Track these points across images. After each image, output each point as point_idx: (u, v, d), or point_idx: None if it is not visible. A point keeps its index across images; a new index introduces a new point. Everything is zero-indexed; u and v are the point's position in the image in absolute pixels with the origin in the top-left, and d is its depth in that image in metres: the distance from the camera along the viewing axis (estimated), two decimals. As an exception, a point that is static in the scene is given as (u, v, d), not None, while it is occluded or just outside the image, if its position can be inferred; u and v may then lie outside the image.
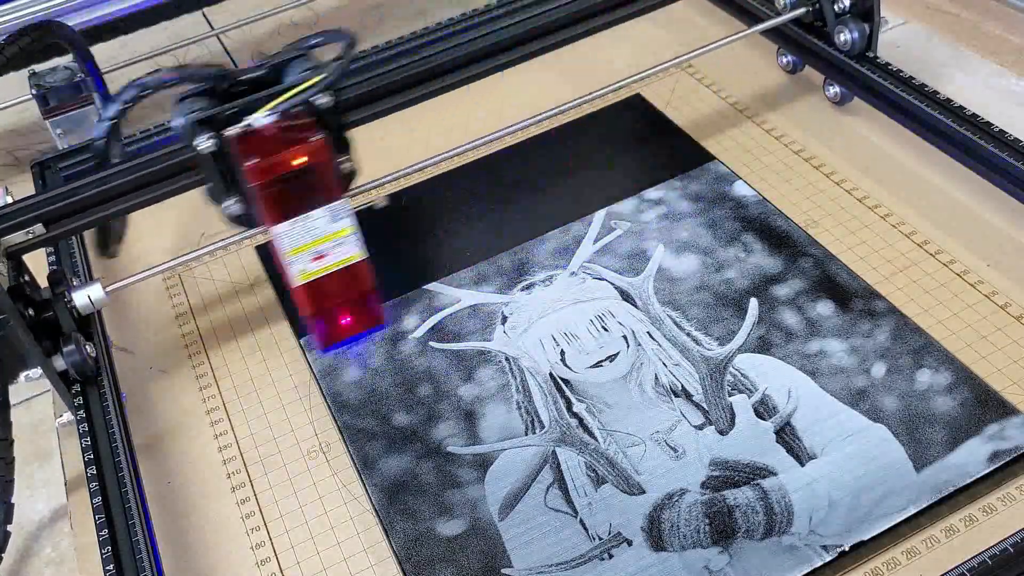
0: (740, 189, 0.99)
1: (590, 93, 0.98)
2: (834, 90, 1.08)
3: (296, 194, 0.78)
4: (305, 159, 0.77)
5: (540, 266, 0.94)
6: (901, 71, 1.00)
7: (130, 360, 0.94)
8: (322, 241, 0.81)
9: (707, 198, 0.98)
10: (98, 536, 0.71)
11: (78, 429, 0.79)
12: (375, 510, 0.77)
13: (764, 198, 0.97)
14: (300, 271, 0.82)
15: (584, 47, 1.22)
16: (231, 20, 1.37)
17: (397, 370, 0.87)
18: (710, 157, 1.04)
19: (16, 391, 0.85)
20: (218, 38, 1.40)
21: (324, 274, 0.83)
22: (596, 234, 0.97)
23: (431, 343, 0.89)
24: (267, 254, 1.02)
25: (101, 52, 1.11)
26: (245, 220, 0.85)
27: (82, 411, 0.80)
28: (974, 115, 0.92)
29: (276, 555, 0.76)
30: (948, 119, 0.93)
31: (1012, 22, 1.18)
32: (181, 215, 1.07)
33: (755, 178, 1.00)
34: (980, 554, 0.68)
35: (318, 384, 0.87)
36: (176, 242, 1.05)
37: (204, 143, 0.79)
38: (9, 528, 0.75)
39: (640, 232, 0.96)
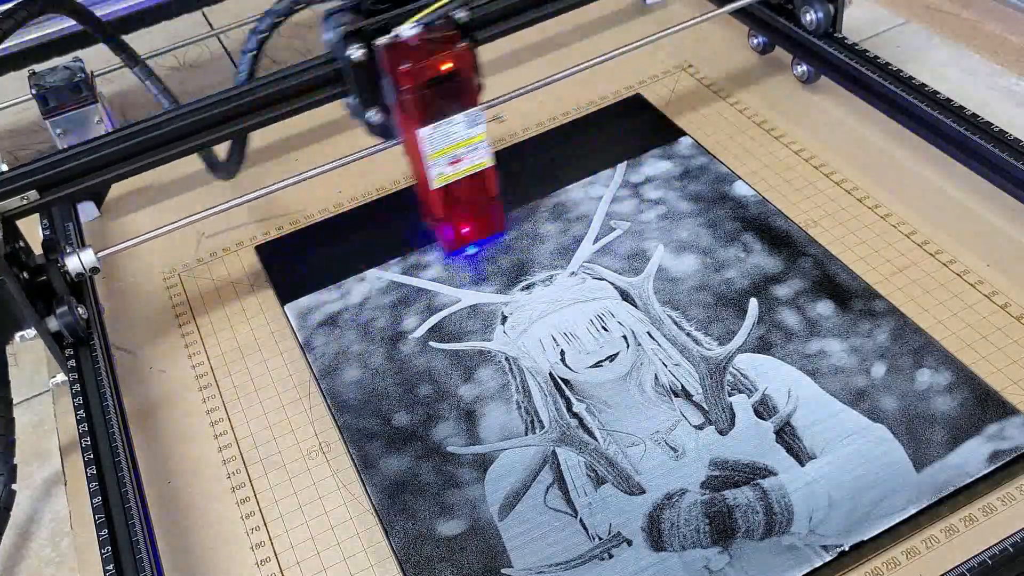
0: (740, 189, 0.99)
1: (578, 65, 1.02)
2: (801, 69, 1.11)
3: (440, 99, 0.85)
4: (451, 64, 0.83)
5: (540, 266, 0.94)
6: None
7: (130, 360, 0.94)
8: (459, 146, 0.88)
9: (707, 198, 0.98)
10: (98, 536, 0.71)
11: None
12: (375, 510, 0.77)
13: (764, 198, 0.97)
14: (438, 174, 0.89)
15: (587, 49, 1.22)
16: (231, 20, 1.37)
17: (397, 370, 0.87)
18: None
19: (16, 391, 0.85)
20: (218, 38, 1.40)
21: (458, 178, 0.90)
22: (596, 234, 0.97)
23: (431, 343, 0.89)
24: (267, 254, 1.02)
25: (101, 52, 1.12)
26: (384, 131, 0.91)
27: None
28: (974, 115, 0.92)
29: (276, 555, 0.76)
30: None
31: (1012, 22, 1.18)
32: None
33: (748, 172, 1.01)
34: (980, 554, 0.68)
35: (318, 384, 0.87)
36: (176, 241, 1.05)
37: (356, 52, 0.84)
38: (14, 487, 0.77)
39: (640, 232, 0.96)
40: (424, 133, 0.86)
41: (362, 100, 0.88)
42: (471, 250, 0.96)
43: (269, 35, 0.89)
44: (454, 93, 0.85)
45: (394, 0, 0.85)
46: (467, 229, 0.95)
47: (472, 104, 0.87)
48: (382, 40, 0.82)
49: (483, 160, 0.90)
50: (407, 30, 0.81)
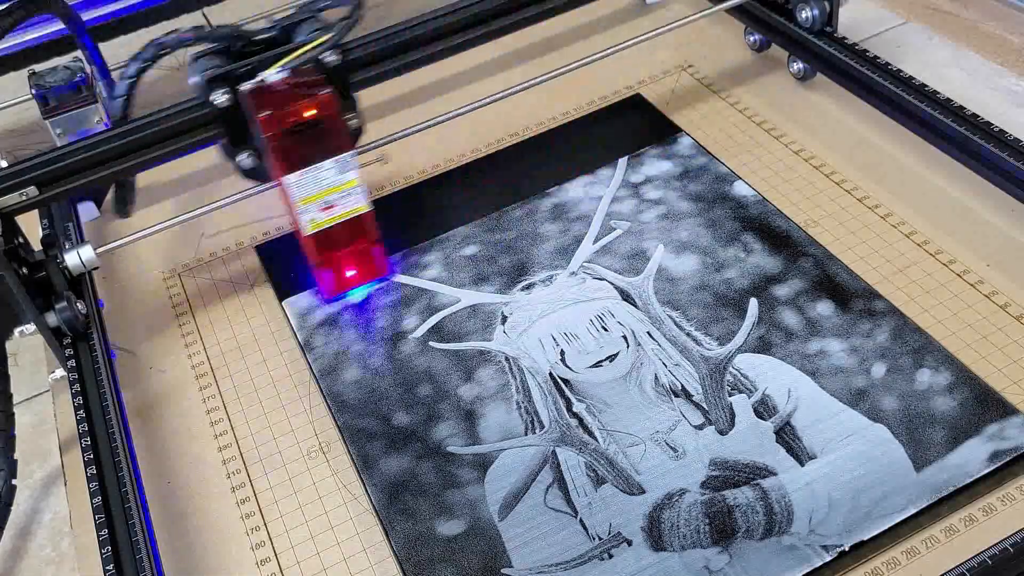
0: (740, 189, 0.99)
1: (576, 60, 1.01)
2: (797, 66, 1.12)
3: (306, 145, 0.83)
4: (314, 111, 0.81)
5: (540, 266, 0.94)
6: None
7: (130, 360, 0.94)
8: (331, 192, 0.86)
9: (707, 198, 0.98)
10: (98, 536, 0.71)
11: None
12: (375, 510, 0.77)
13: (764, 198, 0.97)
14: (310, 220, 0.87)
15: (587, 50, 1.22)
16: (231, 20, 1.37)
17: (397, 370, 0.87)
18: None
19: (16, 391, 0.85)
20: (218, 38, 1.40)
21: (332, 224, 0.88)
22: (596, 234, 0.97)
23: (431, 343, 0.89)
24: (267, 254, 1.02)
25: (101, 52, 1.11)
26: (257, 174, 0.90)
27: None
28: (974, 115, 0.92)
29: (276, 555, 0.76)
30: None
31: (1012, 22, 1.18)
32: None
33: (748, 172, 1.01)
34: (980, 554, 0.68)
35: (318, 384, 0.87)
36: (175, 241, 1.05)
37: (219, 98, 0.84)
38: (14, 482, 0.78)
39: (640, 232, 0.96)
40: (291, 180, 0.84)
41: (232, 144, 0.88)
42: (356, 294, 0.94)
43: (137, 80, 0.88)
44: (320, 139, 0.83)
45: (267, 45, 0.84)
46: (352, 272, 0.93)
47: (342, 150, 0.84)
48: (246, 85, 0.82)
49: (359, 205, 0.88)
50: (273, 75, 0.81)
